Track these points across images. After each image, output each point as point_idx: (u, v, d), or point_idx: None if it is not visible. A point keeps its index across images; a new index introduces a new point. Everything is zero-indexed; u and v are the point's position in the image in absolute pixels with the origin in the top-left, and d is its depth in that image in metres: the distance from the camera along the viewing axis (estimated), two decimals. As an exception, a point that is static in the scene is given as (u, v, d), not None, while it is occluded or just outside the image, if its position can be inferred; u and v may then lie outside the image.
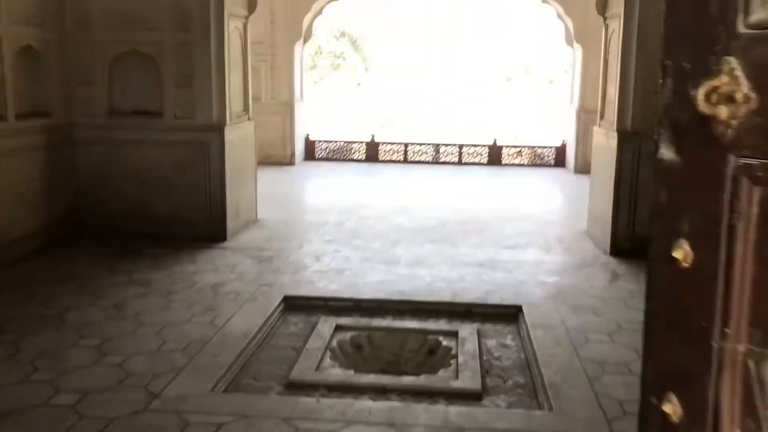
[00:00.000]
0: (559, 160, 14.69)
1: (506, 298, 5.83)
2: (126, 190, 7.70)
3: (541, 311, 5.48)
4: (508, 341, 5.08)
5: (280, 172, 13.09)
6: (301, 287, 6.04)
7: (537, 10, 15.53)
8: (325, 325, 5.22)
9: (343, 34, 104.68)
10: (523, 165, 14.79)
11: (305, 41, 14.70)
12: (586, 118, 13.52)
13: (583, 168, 13.54)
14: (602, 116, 8.04)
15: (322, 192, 11.15)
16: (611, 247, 7.29)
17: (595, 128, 8.20)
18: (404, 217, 9.11)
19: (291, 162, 14.16)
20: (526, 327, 5.15)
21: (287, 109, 14.05)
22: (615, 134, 7.24)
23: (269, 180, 11.88)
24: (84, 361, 4.39)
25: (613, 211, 7.26)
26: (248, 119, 8.54)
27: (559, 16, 14.06)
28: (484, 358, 4.75)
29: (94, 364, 4.36)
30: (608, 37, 7.82)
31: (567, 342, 4.86)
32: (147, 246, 7.16)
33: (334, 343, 4.96)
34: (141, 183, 7.68)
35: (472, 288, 6.06)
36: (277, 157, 14.14)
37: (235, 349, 4.64)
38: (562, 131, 15.36)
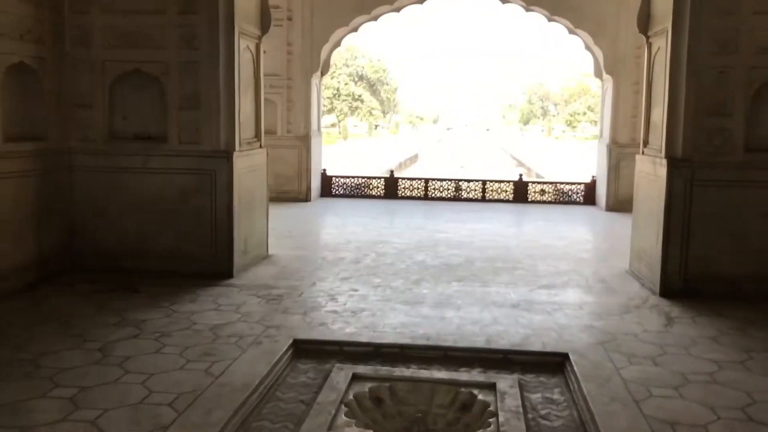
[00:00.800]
0: (589, 198, 13.94)
1: (548, 344, 5.06)
2: (125, 221, 7.07)
3: (591, 360, 4.70)
4: (556, 395, 4.30)
5: (295, 208, 12.45)
6: (313, 330, 5.31)
7: (564, 42, 15.02)
8: (340, 374, 4.47)
9: (361, 78, 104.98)
10: (549, 202, 14.04)
11: (323, 73, 14.23)
12: (617, 153, 12.83)
13: (616, 205, 12.80)
14: (646, 143, 7.33)
15: (339, 228, 10.47)
16: (661, 287, 6.50)
17: (638, 156, 7.48)
18: (427, 254, 8.39)
19: (307, 198, 13.54)
20: (576, 379, 4.37)
21: (303, 143, 13.49)
22: (664, 161, 6.52)
23: (283, 215, 11.27)
24: (50, 416, 3.68)
25: (662, 247, 6.50)
26: (260, 147, 7.93)
27: (588, 47, 13.48)
28: (530, 416, 3.97)
29: (62, 420, 3.64)
30: (652, 57, 7.16)
31: (626, 397, 4.08)
32: (145, 283, 6.49)
33: (350, 395, 4.21)
34: (142, 214, 7.05)
35: (508, 332, 5.30)
36: (292, 193, 13.54)
37: (232, 402, 3.90)
38: (591, 167, 14.65)
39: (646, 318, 5.77)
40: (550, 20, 13.49)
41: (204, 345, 4.88)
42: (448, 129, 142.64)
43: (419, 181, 14.56)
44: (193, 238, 6.99)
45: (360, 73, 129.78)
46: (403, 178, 14.81)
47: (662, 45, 6.76)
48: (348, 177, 14.71)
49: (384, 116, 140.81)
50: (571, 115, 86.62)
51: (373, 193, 14.48)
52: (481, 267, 7.69)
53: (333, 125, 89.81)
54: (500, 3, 13.77)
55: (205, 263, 6.92)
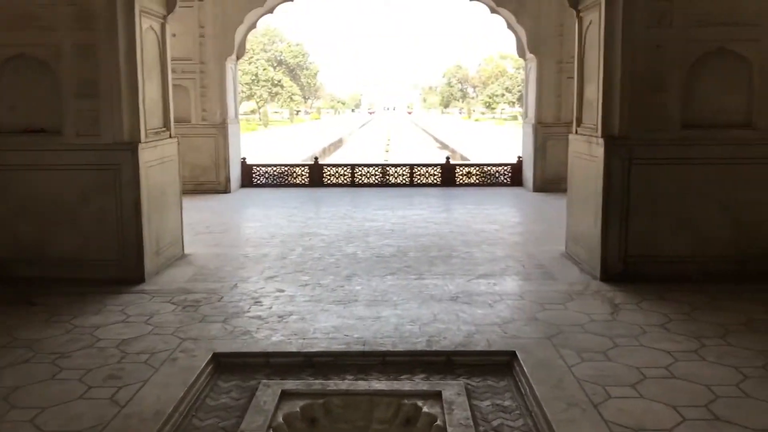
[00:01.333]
0: (516, 179, 13.77)
1: (494, 341, 4.69)
2: (18, 225, 6.30)
3: (540, 358, 4.35)
4: (507, 401, 3.92)
5: (214, 200, 11.74)
6: (235, 340, 4.76)
7: (483, 21, 14.77)
8: (267, 391, 3.96)
9: (280, 63, 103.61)
10: (478, 184, 13.81)
11: (239, 57, 13.49)
12: (543, 133, 12.69)
13: (543, 186, 12.67)
14: (579, 122, 7.06)
15: (262, 221, 9.86)
16: (601, 271, 6.26)
17: (572, 136, 7.21)
18: (357, 245, 7.93)
19: (226, 189, 12.81)
20: (527, 381, 4.01)
21: (220, 131, 12.74)
22: (600, 141, 6.25)
23: (201, 209, 10.58)
24: None
25: (602, 230, 6.24)
26: (170, 136, 7.26)
27: (510, 26, 13.25)
28: (481, 429, 3.58)
29: (-73, 478, 3.00)
30: (584, 32, 6.87)
31: (584, 400, 3.74)
32: (43, 293, 5.77)
33: (280, 417, 3.71)
34: (36, 217, 6.29)
35: (449, 330, 4.90)
36: (210, 185, 12.80)
37: (141, 437, 3.35)
38: (512, 148, 14.51)
39: (591, 306, 5.49)
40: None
41: (109, 366, 4.26)
42: (370, 113, 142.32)
43: (345, 168, 14.05)
44: (97, 240, 6.28)
45: (279, 58, 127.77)
46: (329, 165, 14.27)
47: (594, 19, 6.47)
48: (270, 166, 14.05)
49: (305, 102, 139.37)
50: (490, 97, 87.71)
51: (298, 182, 13.89)
52: (416, 257, 7.28)
53: (253, 112, 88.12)
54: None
55: (112, 268, 6.23)
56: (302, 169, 14.03)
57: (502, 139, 34.52)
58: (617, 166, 6.16)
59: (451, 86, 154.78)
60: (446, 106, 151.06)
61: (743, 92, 6.14)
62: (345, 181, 13.90)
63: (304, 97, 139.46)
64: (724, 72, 6.13)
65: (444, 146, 35.23)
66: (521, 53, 13.29)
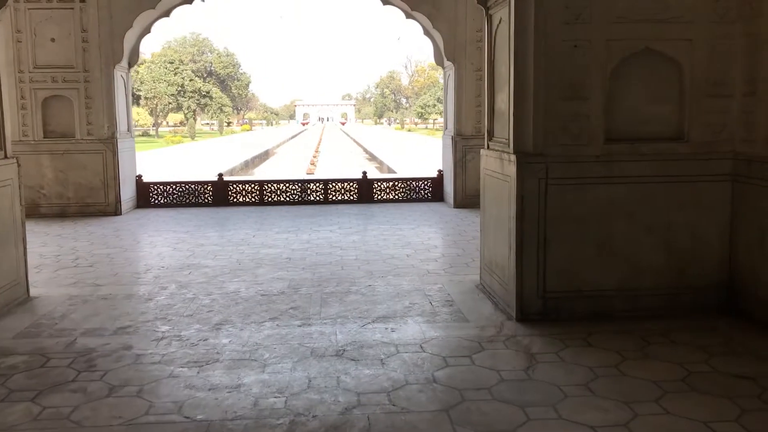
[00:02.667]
0: (437, 194, 12.92)
1: (376, 420, 3.67)
2: None
3: (433, 442, 3.36)
4: None
5: (97, 225, 10.42)
6: None
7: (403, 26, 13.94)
8: None
9: (210, 74, 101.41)
10: (397, 200, 12.88)
11: (131, 64, 12.19)
12: (463, 145, 11.86)
13: (464, 201, 11.84)
14: (491, 135, 6.17)
15: (143, 250, 8.65)
16: (517, 310, 5.34)
17: (483, 151, 6.31)
18: (243, 280, 6.83)
19: (116, 211, 11.49)
20: (410, 483, 3.00)
21: (108, 146, 11.41)
22: (512, 157, 5.35)
23: (78, 236, 9.30)
24: None
25: (516, 261, 5.33)
26: (5, 157, 6.02)
27: (427, 32, 12.41)
28: None
29: None
30: (493, 32, 5.99)
31: None
32: None
33: None
34: None
35: (323, 403, 3.86)
36: (98, 206, 11.47)
37: None
38: (437, 161, 13.67)
39: (503, 358, 4.55)
40: (385, 3, 12.29)
41: None
42: (303, 124, 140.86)
43: (253, 185, 12.89)
44: None
45: (209, 69, 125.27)
46: (235, 182, 13.08)
47: (504, 16, 5.58)
48: (169, 183, 12.76)
49: (238, 113, 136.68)
50: (422, 108, 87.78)
51: (201, 201, 12.66)
52: (307, 295, 6.23)
53: (182, 123, 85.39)
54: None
55: None
56: (205, 186, 12.80)
57: (433, 150, 33.81)
58: (532, 186, 5.27)
59: (385, 97, 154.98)
60: (380, 116, 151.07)
61: (673, 100, 5.34)
62: (253, 200, 12.76)
63: (237, 108, 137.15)
64: (650, 76, 5.32)
65: (372, 158, 34.33)
66: (439, 60, 12.47)
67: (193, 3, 12.14)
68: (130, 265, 7.68)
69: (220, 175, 12.99)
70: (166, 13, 12.10)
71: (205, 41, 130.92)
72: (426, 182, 13.04)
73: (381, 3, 12.32)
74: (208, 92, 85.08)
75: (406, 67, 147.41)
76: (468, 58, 11.71)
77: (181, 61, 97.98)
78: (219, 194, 12.68)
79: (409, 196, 13.01)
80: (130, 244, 9.00)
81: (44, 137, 11.34)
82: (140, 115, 63.67)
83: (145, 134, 72.16)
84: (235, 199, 12.72)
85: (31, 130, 11.29)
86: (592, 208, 5.31)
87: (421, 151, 33.86)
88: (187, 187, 12.75)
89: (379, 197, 12.92)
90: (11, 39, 11.08)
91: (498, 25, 5.85)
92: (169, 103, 77.63)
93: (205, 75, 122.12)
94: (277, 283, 6.66)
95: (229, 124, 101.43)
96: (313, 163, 29.57)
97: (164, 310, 5.77)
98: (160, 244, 8.94)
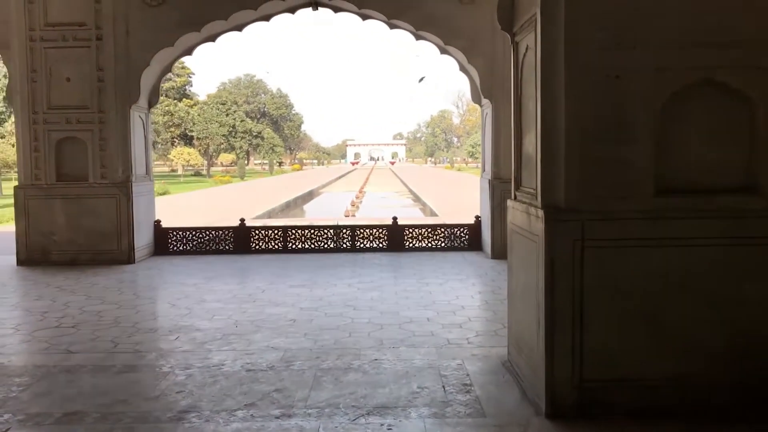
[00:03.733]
0: (474, 242, 11.89)
1: None
2: None
3: None
4: None
5: (104, 276, 9.73)
6: None
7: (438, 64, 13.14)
8: None
9: (263, 114, 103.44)
10: (430, 249, 11.90)
11: (151, 105, 11.66)
12: (501, 190, 10.82)
13: (502, 251, 10.64)
14: (519, 184, 5.19)
15: (137, 307, 7.85)
16: (547, 402, 4.29)
17: (510, 203, 5.33)
18: (233, 348, 5.94)
19: (129, 259, 10.82)
20: None
21: (122, 190, 10.81)
22: (540, 213, 4.37)
23: (77, 289, 8.66)
24: None
25: (546, 340, 4.30)
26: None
27: (462, 68, 11.56)
28: None
29: None
30: (520, 62, 5.06)
31: None
32: None
33: None
34: None
35: None
36: (111, 254, 10.83)
37: None
38: (477, 206, 12.67)
39: (523, 476, 3.51)
40: (417, 38, 11.52)
41: None
42: (353, 164, 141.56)
43: (276, 231, 12.11)
44: None
45: (262, 110, 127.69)
46: (257, 228, 12.32)
47: (531, 43, 4.66)
48: (189, 229, 12.08)
49: (290, 153, 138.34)
50: (473, 147, 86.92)
51: (222, 248, 11.93)
52: (300, 371, 5.28)
53: (233, 163, 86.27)
54: (360, 20, 11.73)
55: None
56: (226, 233, 12.07)
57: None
58: (564, 249, 4.26)
59: (436, 136, 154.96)
60: (431, 155, 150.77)
61: (741, 143, 4.28)
62: (276, 247, 11.96)
63: (289, 148, 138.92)
64: (712, 113, 4.28)
65: (416, 199, 33.46)
66: (476, 98, 11.57)
67: (216, 42, 11.61)
68: (116, 326, 6.88)
69: (242, 220, 12.26)
70: (188, 51, 11.58)
71: (259, 83, 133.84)
72: (462, 229, 12.03)
73: (414, 39, 11.57)
74: (259, 133, 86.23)
75: (457, 106, 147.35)
76: (506, 95, 10.72)
77: (236, 102, 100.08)
78: (240, 241, 11.93)
79: (443, 244, 12.02)
80: (128, 299, 8.23)
81: (57, 181, 10.82)
82: (191, 155, 64.50)
83: (197, 174, 73.17)
84: (257, 246, 11.95)
85: (43, 174, 10.78)
86: (638, 277, 4.25)
87: (468, 193, 32.80)
88: (207, 233, 12.05)
89: (411, 245, 11.96)
90: (26, 79, 10.66)
91: (525, 54, 4.92)
92: (221, 143, 78.81)
93: (258, 116, 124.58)
94: (269, 354, 5.74)
95: (280, 164, 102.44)
96: (354, 204, 28.87)
97: (128, 390, 4.91)
98: (161, 299, 8.18)
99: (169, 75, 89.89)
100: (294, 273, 9.81)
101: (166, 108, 61.70)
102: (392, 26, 11.48)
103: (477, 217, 11.94)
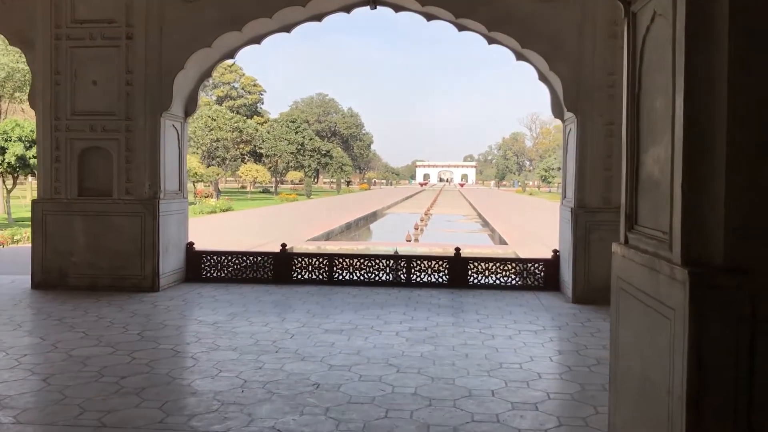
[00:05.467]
0: (551, 281, 10.09)
1: None
2: None
3: None
4: None
5: (117, 306, 8.43)
6: None
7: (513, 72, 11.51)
8: None
9: (334, 133, 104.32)
10: (499, 287, 10.18)
11: (188, 113, 10.43)
12: (586, 220, 9.05)
13: (586, 295, 8.96)
14: (632, 220, 3.52)
15: (137, 353, 6.42)
16: None
17: (616, 246, 3.66)
18: (225, 427, 4.41)
19: (153, 286, 9.53)
20: None
21: (148, 208, 9.55)
22: (679, 273, 2.68)
23: (72, 323, 7.42)
24: None
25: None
26: None
27: (542, 76, 9.87)
28: None
29: None
30: (640, 41, 3.41)
31: None
32: None
33: None
34: None
35: None
36: (132, 279, 9.57)
37: None
38: (554, 238, 10.88)
39: None
40: (490, 41, 9.91)
41: None
42: (421, 185, 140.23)
43: (320, 259, 10.63)
44: None
45: (333, 129, 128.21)
46: (300, 255, 10.88)
47: (664, 8, 3.00)
48: (225, 254, 10.74)
49: (360, 172, 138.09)
50: (545, 171, 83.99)
51: (260, 276, 10.54)
52: (305, 477, 3.70)
53: (300, 181, 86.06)
54: (425, 21, 10.22)
55: None
56: (266, 259, 10.67)
57: (557, 217, 30.62)
58: (722, 333, 2.56)
59: (507, 159, 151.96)
60: (502, 178, 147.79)
61: None
62: (320, 276, 10.48)
63: (359, 168, 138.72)
64: None
65: (485, 224, 31.56)
66: (557, 112, 9.85)
67: (262, 43, 10.31)
68: (96, 381, 5.46)
69: (284, 246, 10.84)
70: (229, 53, 10.32)
71: (331, 102, 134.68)
72: (537, 265, 10.25)
73: (486, 42, 9.97)
74: (328, 151, 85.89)
75: (530, 128, 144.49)
76: (595, 108, 9.02)
77: (307, 121, 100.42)
78: (281, 269, 10.51)
79: (514, 282, 10.29)
80: (129, 340, 6.84)
81: (78, 195, 9.65)
82: (259, 172, 64.41)
83: (265, 191, 73.11)
84: (299, 276, 10.50)
85: (64, 187, 9.63)
86: None
87: (541, 219, 30.77)
88: (244, 259, 10.68)
89: (476, 281, 10.27)
90: (50, 81, 9.58)
91: (649, 27, 3.26)
92: (290, 161, 78.73)
93: (329, 134, 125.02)
94: (271, 442, 4.19)
95: (349, 183, 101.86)
96: (417, 228, 27.24)
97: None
98: (167, 341, 6.76)
99: (241, 92, 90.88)
100: (334, 312, 8.28)
101: (235, 124, 61.76)
102: (460, 27, 9.93)
103: (555, 252, 10.15)
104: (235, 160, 69.61)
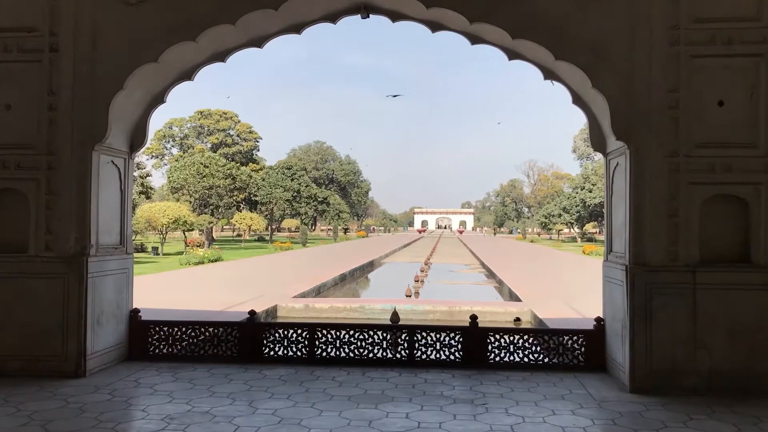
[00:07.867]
0: (594, 358, 7.82)
1: None
2: None
3: None
4: None
5: (12, 407, 6.15)
6: None
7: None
8: None
9: (332, 181, 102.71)
10: (525, 365, 7.93)
11: (134, 147, 8.32)
12: (646, 282, 6.77)
13: (651, 382, 6.67)
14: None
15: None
16: None
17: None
18: None
19: (77, 370, 7.26)
20: None
21: (72, 268, 7.35)
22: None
23: None
24: None
25: None
26: None
27: (577, 98, 7.81)
28: None
29: None
30: None
31: None
32: None
33: None
34: None
35: None
36: (51, 362, 7.30)
37: None
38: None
39: None
40: (511, 56, 7.91)
41: None
42: (419, 232, 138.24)
43: (298, 331, 8.36)
44: None
45: (330, 176, 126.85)
46: (272, 327, 8.63)
47: None
48: (178, 324, 8.46)
49: (357, 219, 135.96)
50: (546, 217, 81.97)
51: (222, 352, 8.27)
52: None
53: (296, 229, 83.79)
54: (430, 31, 8.22)
55: None
56: (229, 331, 8.40)
57: (572, 270, 28.25)
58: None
59: (505, 205, 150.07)
60: (500, 225, 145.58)
61: None
62: (298, 353, 8.22)
63: (356, 215, 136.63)
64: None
65: (490, 275, 29.24)
66: (597, 141, 7.72)
67: (228, 61, 8.27)
68: None
69: (252, 314, 8.58)
70: (186, 75, 8.25)
71: (328, 149, 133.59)
72: (576, 338, 7.99)
73: (506, 57, 7.94)
74: (325, 198, 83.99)
75: (528, 175, 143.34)
76: (654, 135, 6.88)
77: (304, 168, 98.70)
78: (247, 344, 8.25)
79: (546, 359, 8.03)
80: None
81: (-16, 252, 7.46)
82: (254, 219, 62.25)
83: (260, 239, 70.85)
84: (271, 353, 8.23)
85: (-36, 241, 7.45)
86: None
87: (552, 270, 28.49)
88: (202, 331, 8.42)
89: (497, 358, 8.02)
90: (-50, 107, 7.49)
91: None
92: (285, 208, 76.75)
93: (327, 182, 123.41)
94: None
95: (346, 230, 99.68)
96: (418, 279, 24.94)
97: None
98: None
99: (236, 139, 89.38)
100: (311, 412, 6.02)
101: (228, 171, 59.93)
102: (474, 39, 7.92)
103: (599, 321, 7.90)
104: (229, 208, 67.62)
